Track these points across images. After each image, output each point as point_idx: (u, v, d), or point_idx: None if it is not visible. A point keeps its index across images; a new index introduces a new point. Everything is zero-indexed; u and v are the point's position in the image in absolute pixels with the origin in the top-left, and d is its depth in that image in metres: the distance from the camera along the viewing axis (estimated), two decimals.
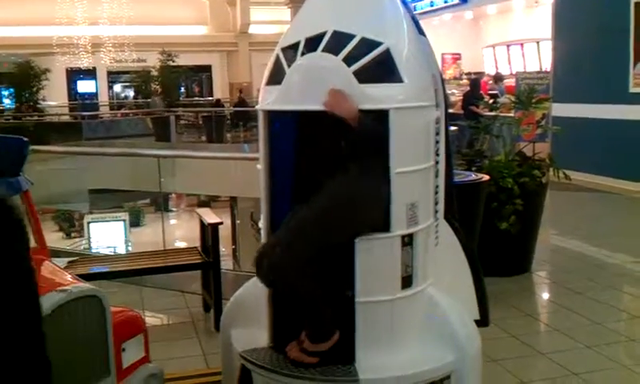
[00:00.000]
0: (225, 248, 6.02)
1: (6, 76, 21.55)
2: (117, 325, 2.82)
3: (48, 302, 2.55)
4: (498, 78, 15.70)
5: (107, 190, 11.65)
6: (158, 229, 7.93)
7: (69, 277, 2.93)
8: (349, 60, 2.98)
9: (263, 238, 3.45)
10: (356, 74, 2.96)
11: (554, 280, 6.20)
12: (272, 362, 3.18)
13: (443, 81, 3.54)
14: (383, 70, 3.04)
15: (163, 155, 7.47)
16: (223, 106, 22.69)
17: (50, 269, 3.04)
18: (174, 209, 15.70)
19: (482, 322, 3.43)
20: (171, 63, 21.08)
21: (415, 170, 3.16)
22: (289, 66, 3.14)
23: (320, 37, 3.08)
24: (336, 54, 3.01)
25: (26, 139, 3.17)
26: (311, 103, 3.05)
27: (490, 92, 14.65)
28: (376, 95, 3.01)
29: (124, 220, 11.76)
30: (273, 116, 3.27)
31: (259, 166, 3.39)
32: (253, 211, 10.39)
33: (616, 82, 10.44)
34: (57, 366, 2.52)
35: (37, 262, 3.04)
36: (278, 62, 3.24)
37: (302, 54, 3.12)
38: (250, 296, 3.58)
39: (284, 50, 3.24)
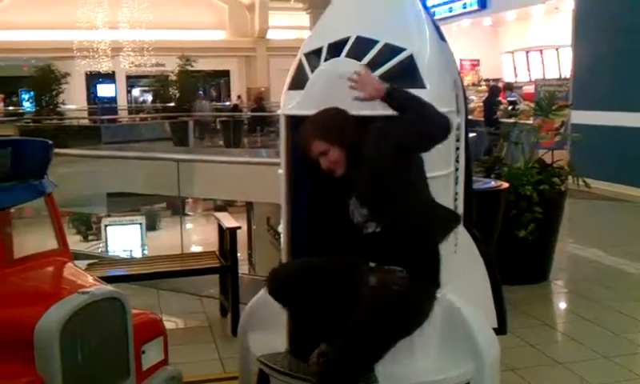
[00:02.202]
0: (241, 253, 6.02)
1: (27, 79, 21.78)
2: (137, 327, 2.84)
3: (71, 303, 2.57)
4: (508, 88, 15.65)
5: (124, 193, 11.72)
6: (174, 233, 7.97)
7: (90, 279, 2.96)
8: (372, 65, 3.00)
9: (283, 243, 3.46)
10: (379, 79, 2.97)
11: (572, 289, 6.15)
12: (290, 366, 3.19)
13: (464, 87, 3.53)
14: (406, 75, 3.04)
15: (182, 159, 7.52)
16: (241, 111, 22.78)
17: (72, 271, 3.07)
18: (190, 213, 15.77)
19: (500, 329, 3.41)
20: (190, 68, 21.18)
21: (435, 177, 3.16)
22: (312, 71, 3.16)
23: (343, 42, 3.09)
24: (359, 59, 3.02)
25: (50, 142, 3.21)
26: None
27: (509, 99, 14.56)
28: None
29: (140, 223, 11.82)
30: (294, 121, 3.29)
31: (280, 171, 3.40)
32: (269, 216, 10.41)
33: (636, 89, 10.34)
34: (78, 367, 2.56)
35: (59, 264, 3.08)
36: (300, 67, 3.26)
37: (326, 59, 3.14)
38: (268, 301, 3.58)
39: (307, 55, 3.25)
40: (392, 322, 2.65)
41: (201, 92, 23.56)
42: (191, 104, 20.58)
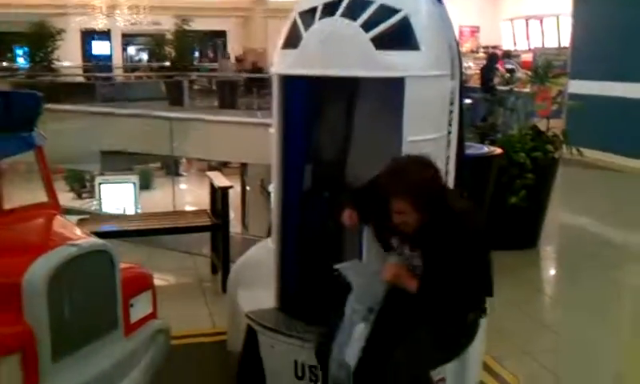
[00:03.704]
0: (234, 214, 6.05)
1: (21, 35, 21.51)
2: (125, 280, 2.86)
3: (59, 254, 2.59)
4: (506, 55, 15.56)
5: (118, 152, 11.68)
6: (168, 192, 7.97)
7: (79, 232, 2.97)
8: (367, 26, 2.97)
9: (274, 202, 3.46)
10: (373, 40, 2.95)
11: (560, 255, 6.21)
12: (278, 323, 3.23)
13: (460, 52, 3.51)
14: (401, 37, 3.02)
15: (175, 117, 7.49)
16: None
17: (61, 223, 3.08)
18: (184, 173, 15.73)
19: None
20: (186, 27, 20.94)
21: (428, 139, 3.16)
22: (306, 30, 3.13)
23: (338, 1, 3.06)
24: (354, 19, 2.99)
25: (40, 94, 3.19)
26: (328, 68, 3.04)
27: (507, 66, 14.50)
28: (392, 62, 2.99)
29: (134, 182, 11.80)
30: (288, 79, 3.27)
31: (272, 130, 3.40)
32: (263, 178, 10.40)
33: (634, 59, 10.29)
34: (66, 317, 2.58)
35: (49, 216, 3.09)
36: (294, 25, 3.22)
37: (320, 18, 3.11)
38: (257, 258, 3.62)
39: (301, 14, 3.21)
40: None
41: (196, 53, 23.24)
42: (187, 64, 20.38)
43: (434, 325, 2.63)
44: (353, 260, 2.90)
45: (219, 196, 5.03)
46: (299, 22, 3.19)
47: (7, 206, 3.16)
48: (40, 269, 2.50)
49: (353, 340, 2.69)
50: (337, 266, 2.79)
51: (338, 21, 3.03)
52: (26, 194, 3.45)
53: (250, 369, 3.30)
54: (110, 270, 2.78)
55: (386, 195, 2.60)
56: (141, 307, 2.95)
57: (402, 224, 2.61)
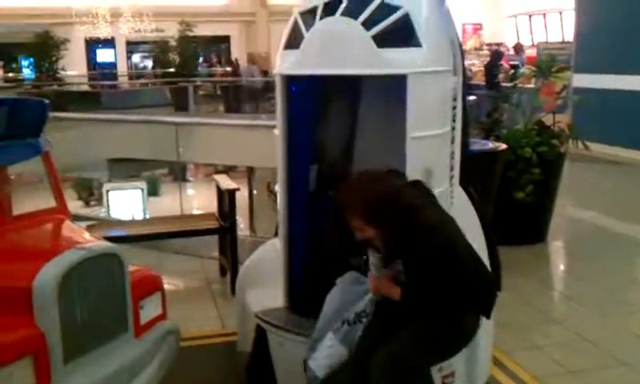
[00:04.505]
0: (242, 217, 6.07)
1: (26, 46, 21.63)
2: (135, 282, 2.89)
3: (69, 258, 2.61)
4: (519, 48, 15.50)
5: (125, 159, 11.74)
6: (175, 198, 7.99)
7: (88, 236, 2.99)
8: (368, 24, 2.98)
9: (280, 202, 3.48)
10: (375, 38, 2.96)
11: (569, 250, 6.20)
12: (287, 321, 3.25)
13: (462, 48, 3.52)
14: (402, 34, 3.03)
15: (180, 122, 7.52)
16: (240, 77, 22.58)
17: (70, 228, 3.11)
18: (191, 179, 15.78)
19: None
20: (189, 33, 21.01)
21: (431, 136, 3.17)
22: (307, 30, 3.15)
23: (339, 1, 3.08)
24: (355, 18, 3.01)
25: (46, 101, 3.22)
26: (330, 67, 3.06)
27: (511, 63, 14.47)
28: (394, 59, 3.01)
29: (142, 189, 11.84)
30: (291, 80, 3.29)
31: (276, 131, 3.42)
32: (269, 181, 10.43)
33: (637, 52, 10.27)
34: (76, 320, 2.61)
35: (57, 221, 3.11)
36: (296, 26, 3.24)
37: (321, 18, 3.13)
38: (265, 258, 3.64)
39: (302, 14, 3.23)
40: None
41: (200, 59, 23.30)
42: (191, 70, 20.43)
43: (418, 326, 2.60)
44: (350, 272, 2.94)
45: (226, 198, 5.05)
46: (300, 22, 3.21)
47: (16, 212, 3.19)
48: (50, 272, 2.53)
49: (322, 350, 2.77)
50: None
51: (338, 20, 3.05)
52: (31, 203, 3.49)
53: (260, 368, 3.32)
54: (119, 273, 2.80)
55: (344, 214, 2.60)
56: (151, 309, 2.98)
57: (365, 239, 2.59)
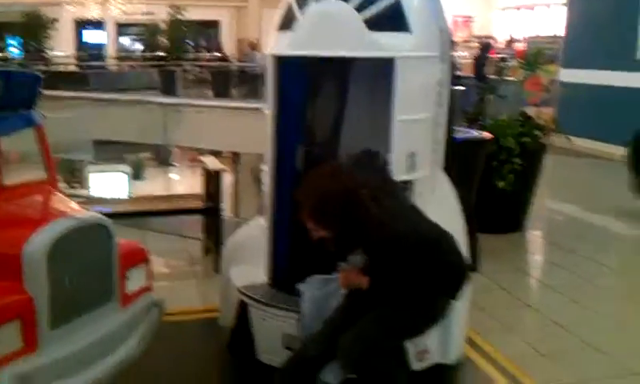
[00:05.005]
0: (226, 201, 6.11)
1: (14, 25, 21.42)
2: (122, 254, 2.95)
3: (59, 226, 2.68)
4: (511, 41, 15.62)
5: (110, 141, 11.71)
6: (159, 183, 8.03)
7: (76, 206, 3.06)
8: (360, 7, 3.08)
9: (267, 182, 3.55)
10: (366, 21, 3.06)
11: (546, 239, 6.33)
12: (269, 296, 3.34)
13: (450, 36, 3.61)
14: (393, 18, 3.13)
15: (167, 103, 7.55)
16: (230, 62, 22.52)
17: (59, 199, 3.17)
18: (176, 164, 15.74)
19: (472, 267, 3.56)
20: (180, 17, 20.89)
21: (416, 119, 3.27)
22: (301, 11, 3.22)
23: None
24: (347, 0, 3.09)
25: (39, 74, 3.27)
26: (322, 49, 3.14)
27: (500, 55, 14.57)
28: (384, 43, 3.10)
29: (127, 172, 11.82)
30: (282, 61, 3.35)
31: (267, 111, 3.48)
32: (253, 167, 10.47)
33: (623, 48, 10.41)
34: (64, 287, 2.67)
35: (48, 192, 3.18)
36: (289, 7, 3.32)
37: (315, 0, 3.19)
38: (251, 235, 3.72)
39: None
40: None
41: (190, 43, 23.18)
42: (180, 54, 20.36)
43: (384, 309, 2.67)
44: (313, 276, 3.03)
45: (212, 179, 5.12)
46: (294, 4, 3.28)
47: (7, 182, 3.24)
48: (40, 240, 2.59)
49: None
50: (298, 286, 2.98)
51: (331, 2, 3.13)
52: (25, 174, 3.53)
53: (241, 341, 3.40)
54: (107, 243, 2.87)
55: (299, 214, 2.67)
56: (137, 280, 3.04)
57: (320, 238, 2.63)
